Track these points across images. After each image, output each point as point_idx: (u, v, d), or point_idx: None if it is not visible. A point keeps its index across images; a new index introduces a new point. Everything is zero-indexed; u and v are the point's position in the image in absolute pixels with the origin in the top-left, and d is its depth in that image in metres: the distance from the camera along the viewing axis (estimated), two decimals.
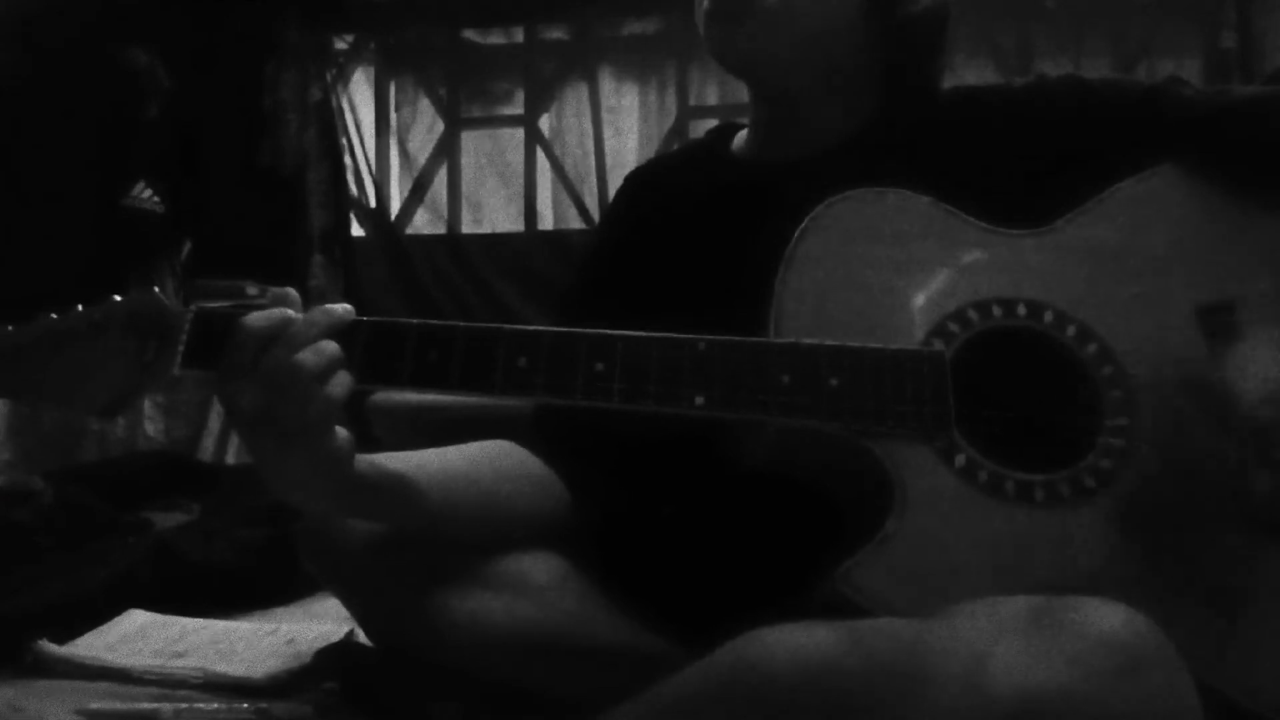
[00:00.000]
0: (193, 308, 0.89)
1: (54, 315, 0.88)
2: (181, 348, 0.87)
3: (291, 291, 0.87)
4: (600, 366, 0.86)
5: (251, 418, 0.82)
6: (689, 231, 1.09)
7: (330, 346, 0.83)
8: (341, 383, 0.83)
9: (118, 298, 0.89)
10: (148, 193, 3.18)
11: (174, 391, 3.15)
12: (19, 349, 0.87)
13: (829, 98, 1.07)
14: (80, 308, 0.88)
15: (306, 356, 0.81)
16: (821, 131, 1.06)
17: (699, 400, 0.86)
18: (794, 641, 0.75)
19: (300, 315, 0.84)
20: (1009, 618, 0.70)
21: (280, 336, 0.82)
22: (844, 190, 0.94)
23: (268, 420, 0.82)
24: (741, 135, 1.15)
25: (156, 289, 0.90)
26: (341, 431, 0.85)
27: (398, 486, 0.93)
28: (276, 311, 0.84)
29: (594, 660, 1.00)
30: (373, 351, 0.87)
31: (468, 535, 1.01)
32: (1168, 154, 0.96)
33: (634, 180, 1.22)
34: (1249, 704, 0.81)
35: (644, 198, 1.18)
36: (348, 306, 0.86)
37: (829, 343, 0.88)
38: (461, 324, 0.89)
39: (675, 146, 3.38)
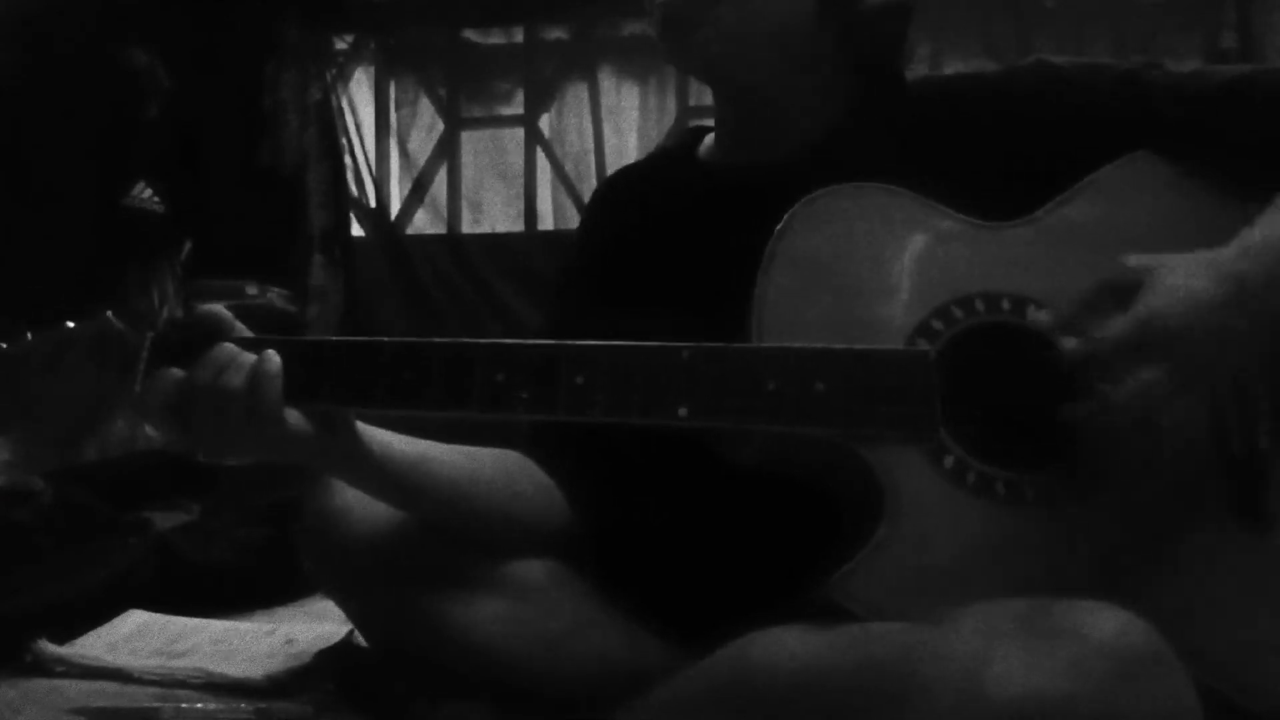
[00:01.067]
0: (150, 334, 0.89)
1: (3, 345, 0.87)
2: (140, 376, 0.87)
3: (218, 309, 0.89)
4: (580, 380, 0.85)
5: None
6: (665, 240, 1.08)
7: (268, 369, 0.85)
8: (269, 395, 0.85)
9: (70, 324, 0.88)
10: (148, 193, 3.17)
11: None
12: None
13: (795, 98, 1.05)
14: (29, 335, 0.87)
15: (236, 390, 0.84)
16: (790, 132, 1.05)
17: (682, 411, 0.85)
18: (792, 645, 0.75)
19: (238, 359, 0.85)
20: (1006, 622, 0.70)
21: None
22: (819, 189, 0.93)
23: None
24: (709, 139, 1.14)
25: (110, 313, 0.89)
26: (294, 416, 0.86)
27: (406, 467, 0.94)
28: (220, 359, 0.85)
29: (592, 663, 1.00)
30: (345, 372, 0.86)
31: (469, 532, 1.01)
32: (1145, 140, 0.96)
33: (606, 190, 1.21)
34: (1247, 704, 0.81)
35: (617, 208, 1.17)
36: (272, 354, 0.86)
37: (814, 346, 0.87)
38: (436, 341, 0.88)
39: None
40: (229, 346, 0.85)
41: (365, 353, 0.87)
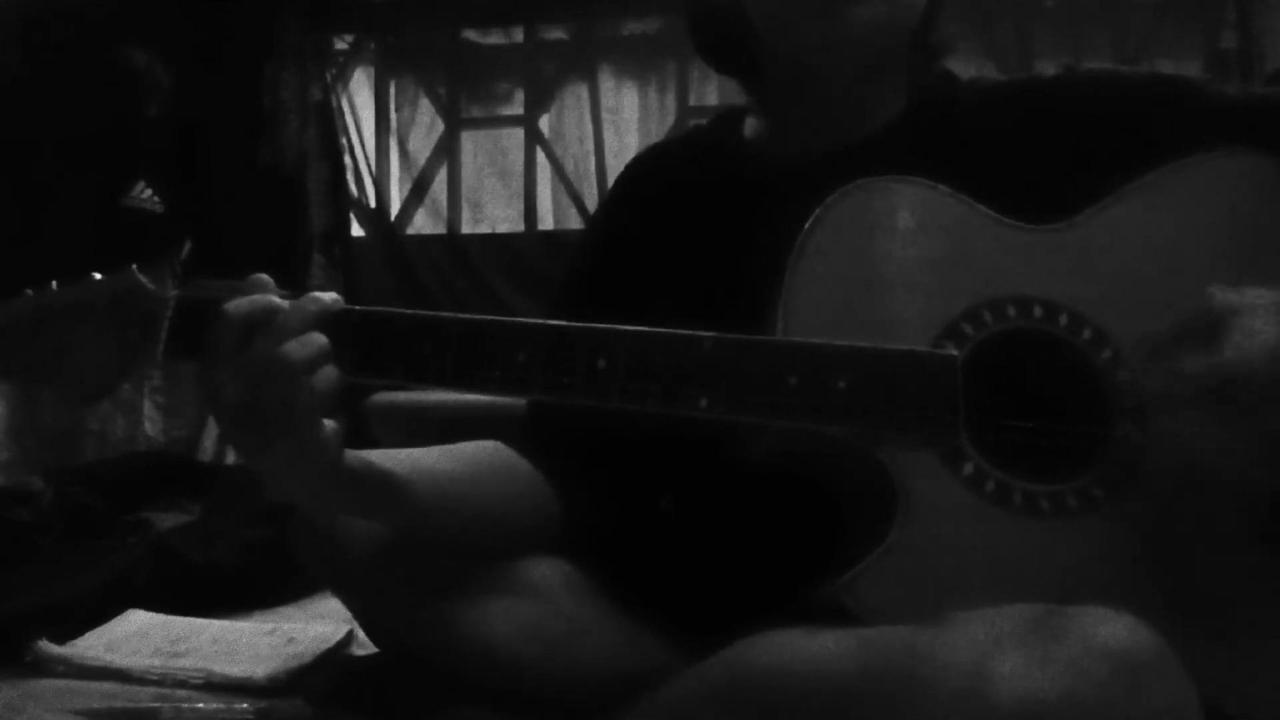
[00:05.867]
0: (174, 292, 0.86)
1: (29, 292, 0.86)
2: (164, 334, 0.85)
3: (267, 278, 0.84)
4: (602, 363, 0.84)
5: (233, 410, 0.80)
6: (700, 223, 1.05)
7: (318, 338, 0.80)
8: (328, 376, 0.81)
9: (97, 275, 0.87)
10: (148, 192, 3.17)
11: (174, 391, 3.15)
12: (2, 329, 0.85)
13: (877, 90, 1.03)
14: (55, 285, 0.86)
15: (293, 348, 0.79)
16: (855, 125, 1.03)
17: (703, 402, 0.83)
18: (794, 646, 0.75)
19: (287, 303, 0.81)
20: (1010, 626, 0.70)
21: (265, 325, 0.80)
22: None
23: (250, 413, 0.80)
24: (750, 123, 1.11)
25: (135, 266, 0.87)
26: (329, 424, 0.82)
27: (388, 484, 0.90)
28: (260, 298, 0.81)
29: (595, 663, 0.99)
30: (362, 342, 0.84)
31: (459, 538, 1.00)
32: (1195, 149, 0.93)
33: (638, 167, 1.17)
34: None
35: (649, 186, 1.13)
36: (336, 296, 0.84)
37: (838, 343, 0.85)
38: (458, 315, 0.86)
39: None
40: (231, 323, 0.80)
41: (382, 323, 0.85)
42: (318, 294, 0.83)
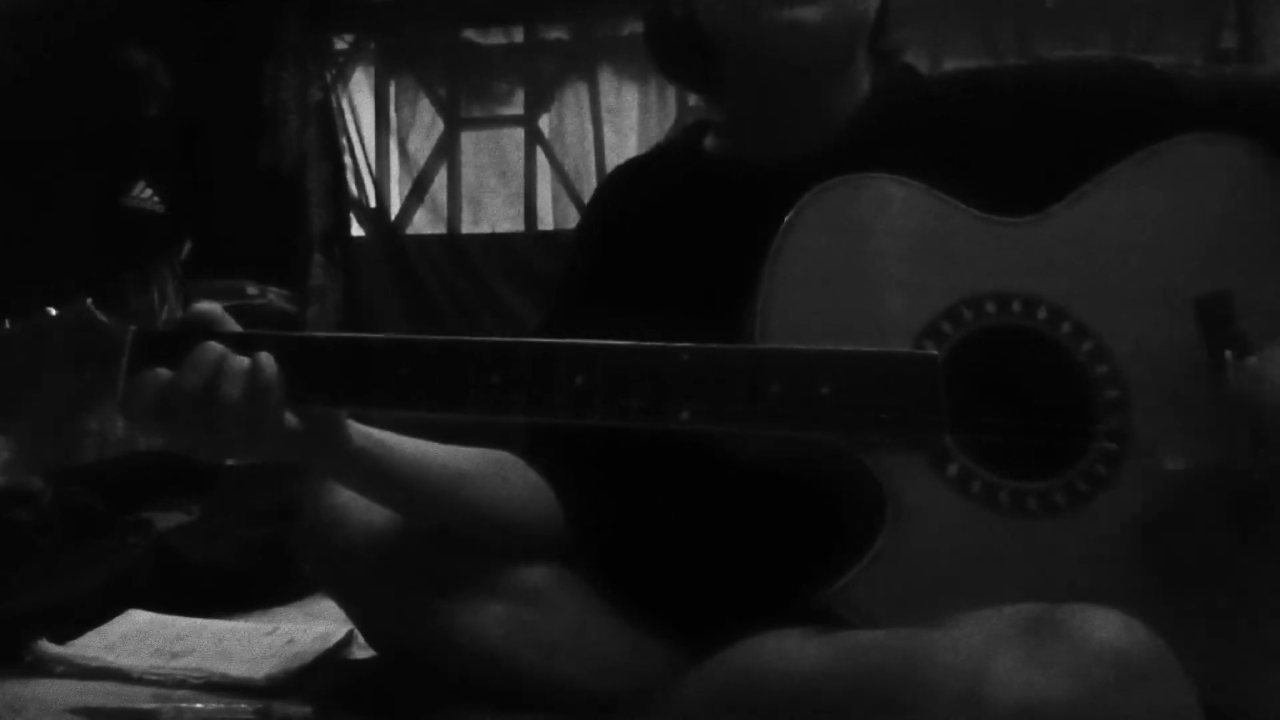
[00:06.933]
0: (131, 326, 0.85)
1: None
2: (123, 368, 0.84)
3: (215, 309, 0.86)
4: (580, 380, 0.83)
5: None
6: (674, 235, 1.05)
7: (266, 377, 0.82)
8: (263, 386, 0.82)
9: (51, 310, 0.85)
10: (148, 193, 3.17)
11: None
12: None
13: (836, 89, 1.03)
14: (7, 322, 0.85)
15: (241, 403, 0.81)
16: (815, 127, 1.03)
17: (684, 415, 0.83)
18: (794, 649, 0.75)
19: (230, 363, 0.81)
20: (1006, 627, 0.70)
21: (213, 389, 0.81)
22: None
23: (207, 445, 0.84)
24: (715, 133, 1.11)
25: (89, 300, 0.86)
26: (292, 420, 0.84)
27: (397, 469, 0.92)
28: (207, 362, 0.82)
29: (593, 667, 0.99)
30: (335, 371, 0.84)
31: (462, 534, 1.00)
32: (1174, 133, 0.93)
33: (610, 185, 1.18)
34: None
35: (624, 202, 1.14)
36: (268, 358, 0.83)
37: (819, 348, 0.85)
38: (432, 338, 0.85)
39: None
40: (215, 347, 0.82)
41: (356, 350, 0.85)
42: (258, 361, 0.82)
